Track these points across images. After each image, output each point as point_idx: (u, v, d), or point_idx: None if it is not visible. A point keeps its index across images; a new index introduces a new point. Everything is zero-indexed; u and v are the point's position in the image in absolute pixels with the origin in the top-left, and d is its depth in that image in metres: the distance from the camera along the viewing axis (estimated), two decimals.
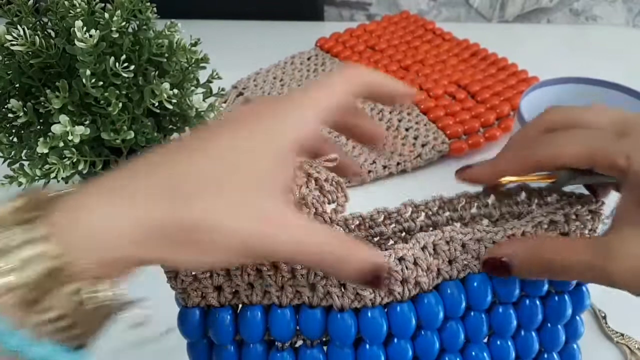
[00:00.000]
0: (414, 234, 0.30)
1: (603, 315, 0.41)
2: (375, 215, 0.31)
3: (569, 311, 0.29)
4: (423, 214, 0.31)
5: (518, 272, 0.26)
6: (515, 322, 0.28)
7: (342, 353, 0.27)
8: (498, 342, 0.28)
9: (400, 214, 0.31)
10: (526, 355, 0.29)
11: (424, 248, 0.27)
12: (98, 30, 0.39)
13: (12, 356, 0.16)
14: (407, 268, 0.26)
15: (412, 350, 0.27)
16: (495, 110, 0.60)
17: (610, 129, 0.25)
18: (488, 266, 0.26)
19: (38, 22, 0.45)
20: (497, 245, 0.26)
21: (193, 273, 0.26)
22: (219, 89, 0.52)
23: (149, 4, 0.46)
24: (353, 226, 0.31)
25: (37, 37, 0.41)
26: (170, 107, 0.44)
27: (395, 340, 0.27)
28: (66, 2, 0.42)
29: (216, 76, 0.50)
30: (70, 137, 0.40)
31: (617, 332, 0.40)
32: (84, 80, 0.40)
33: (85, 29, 0.39)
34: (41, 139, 0.40)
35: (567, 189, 0.28)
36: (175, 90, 0.44)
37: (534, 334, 0.29)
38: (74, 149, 0.41)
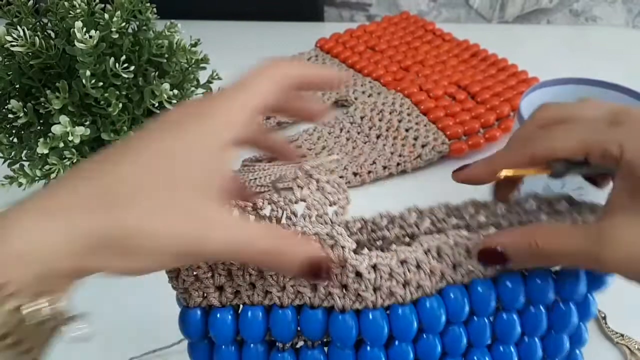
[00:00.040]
0: (417, 239, 0.30)
1: (603, 315, 0.41)
2: (378, 219, 0.31)
3: (575, 320, 0.28)
4: (428, 220, 0.30)
5: (513, 260, 0.26)
6: (519, 329, 0.28)
7: (342, 354, 0.27)
8: (501, 348, 0.28)
9: (404, 219, 0.30)
10: None
11: (427, 252, 0.27)
12: (98, 31, 0.39)
13: None
14: (409, 271, 0.26)
15: (414, 353, 0.27)
16: (495, 111, 0.60)
17: (603, 120, 0.25)
18: (483, 256, 0.26)
19: (38, 23, 0.45)
20: (491, 236, 0.26)
21: (195, 273, 0.26)
22: (219, 89, 0.52)
23: (148, 4, 0.46)
24: (355, 229, 0.31)
25: (37, 38, 0.41)
26: (171, 107, 0.44)
27: (397, 342, 0.27)
28: (66, 3, 0.42)
29: (216, 76, 0.50)
30: (70, 138, 0.40)
31: (617, 333, 0.40)
32: (84, 81, 0.40)
33: (85, 29, 0.39)
34: (41, 140, 0.40)
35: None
36: (175, 91, 0.44)
37: (537, 341, 0.29)
38: (74, 150, 0.41)
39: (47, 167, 0.41)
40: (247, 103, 0.24)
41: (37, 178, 0.41)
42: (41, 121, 0.43)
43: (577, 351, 0.30)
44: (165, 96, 0.43)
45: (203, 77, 0.49)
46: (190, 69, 0.47)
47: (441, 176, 0.56)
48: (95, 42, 0.39)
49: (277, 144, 0.30)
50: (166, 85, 0.43)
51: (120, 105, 0.41)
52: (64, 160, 0.41)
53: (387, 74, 0.68)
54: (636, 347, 0.39)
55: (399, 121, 0.60)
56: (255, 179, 0.54)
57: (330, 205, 0.27)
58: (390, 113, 0.61)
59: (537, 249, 0.25)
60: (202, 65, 0.48)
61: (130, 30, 0.45)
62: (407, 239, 0.31)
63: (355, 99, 0.65)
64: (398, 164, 0.56)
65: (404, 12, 0.80)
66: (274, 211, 0.27)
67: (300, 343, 0.28)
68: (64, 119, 0.40)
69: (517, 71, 0.67)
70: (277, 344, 0.28)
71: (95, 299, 0.38)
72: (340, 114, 0.63)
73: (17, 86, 0.43)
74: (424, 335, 0.27)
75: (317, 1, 0.88)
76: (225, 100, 0.24)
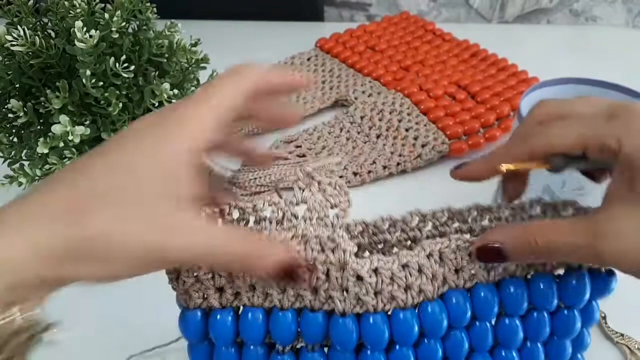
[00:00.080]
0: (419, 243, 0.30)
1: (603, 315, 0.41)
2: (380, 222, 0.30)
3: (578, 326, 0.28)
4: (430, 223, 0.30)
5: (511, 257, 0.26)
6: (521, 334, 0.28)
7: (343, 358, 0.27)
8: (503, 353, 0.28)
9: (406, 223, 0.30)
10: None
11: (429, 256, 0.26)
12: (98, 31, 0.39)
13: None
14: (410, 275, 0.26)
15: (414, 357, 0.27)
16: (495, 110, 0.60)
17: (601, 114, 0.25)
18: (481, 253, 0.26)
19: (38, 23, 0.45)
20: (487, 233, 0.26)
21: (195, 274, 0.26)
22: None
23: (149, 4, 0.46)
24: (356, 232, 0.30)
25: (37, 38, 0.41)
26: None
27: (397, 347, 0.27)
28: (66, 3, 0.42)
29: (216, 76, 0.50)
30: (70, 137, 0.40)
31: (617, 332, 0.40)
32: (84, 81, 0.40)
33: (85, 29, 0.39)
34: (41, 139, 0.40)
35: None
36: (176, 91, 0.44)
37: (540, 346, 0.28)
38: (74, 149, 0.41)
39: (47, 166, 0.41)
40: (211, 109, 0.24)
41: (37, 177, 0.41)
42: (41, 121, 0.43)
43: (579, 355, 0.30)
44: (165, 96, 0.43)
45: (203, 77, 0.49)
46: (190, 68, 0.47)
47: (441, 176, 0.56)
48: (95, 41, 0.39)
49: (250, 150, 0.30)
50: (166, 85, 0.43)
51: (120, 105, 0.41)
52: (64, 160, 0.41)
53: (387, 73, 0.68)
54: (636, 346, 0.39)
55: (399, 121, 0.60)
56: (255, 178, 0.54)
57: (332, 208, 0.27)
58: (390, 113, 0.61)
59: (535, 245, 0.25)
60: (202, 65, 0.48)
61: (130, 30, 0.45)
62: (409, 243, 0.31)
63: (355, 98, 0.65)
64: (398, 164, 0.56)
65: (404, 12, 0.80)
66: (274, 213, 0.27)
67: (301, 344, 0.28)
68: (64, 118, 0.40)
69: (517, 71, 0.67)
70: (276, 346, 0.27)
71: (96, 298, 0.38)
72: (340, 113, 0.63)
73: (17, 86, 0.43)
74: (425, 340, 0.27)
75: (317, 1, 0.87)
76: (188, 108, 0.24)
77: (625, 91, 0.45)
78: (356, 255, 0.26)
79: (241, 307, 0.27)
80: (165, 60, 0.46)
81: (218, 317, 0.27)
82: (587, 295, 0.27)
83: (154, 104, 0.43)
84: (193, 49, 0.48)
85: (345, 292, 0.26)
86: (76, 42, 0.39)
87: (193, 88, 0.48)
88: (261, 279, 0.25)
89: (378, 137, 0.59)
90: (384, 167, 0.55)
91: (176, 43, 0.46)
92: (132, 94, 0.43)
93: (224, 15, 0.84)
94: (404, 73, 0.68)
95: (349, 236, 0.30)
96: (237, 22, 0.85)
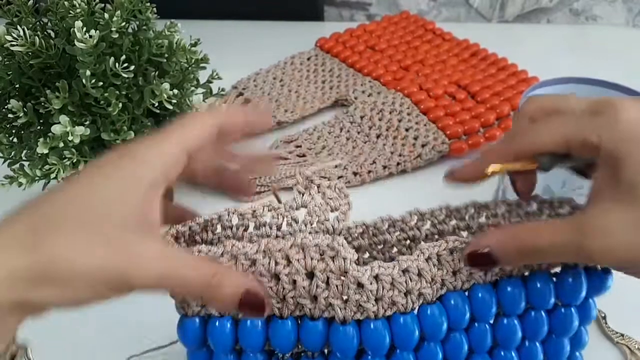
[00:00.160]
0: (418, 243, 0.30)
1: (603, 315, 0.41)
2: (380, 223, 0.30)
3: (576, 324, 0.28)
4: (429, 222, 0.30)
5: (501, 261, 0.26)
6: (520, 334, 0.28)
7: None
8: (502, 353, 0.28)
9: (405, 222, 0.30)
10: None
11: (428, 259, 0.26)
12: (98, 31, 0.39)
13: None
14: (410, 280, 0.26)
15: None
16: (495, 110, 0.60)
17: (585, 111, 0.25)
18: (471, 259, 0.26)
19: (38, 23, 0.45)
20: (476, 238, 0.26)
21: None
22: (219, 89, 0.52)
23: (148, 4, 0.46)
24: (356, 234, 0.30)
25: (37, 38, 0.41)
26: (170, 107, 0.44)
27: (398, 352, 0.27)
28: (66, 3, 0.42)
29: (216, 76, 0.50)
30: (70, 138, 0.40)
31: (617, 333, 0.40)
32: (84, 81, 0.40)
33: (85, 29, 0.39)
34: (41, 140, 0.40)
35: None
36: (175, 91, 0.44)
37: (538, 345, 0.29)
38: (74, 150, 0.41)
39: (47, 167, 0.41)
40: (176, 143, 0.25)
41: (37, 178, 0.41)
42: (41, 121, 0.43)
43: (577, 353, 0.30)
44: (165, 96, 0.43)
45: (203, 77, 0.49)
46: (190, 68, 0.47)
47: (441, 176, 0.56)
48: (95, 41, 0.39)
49: (228, 179, 0.30)
50: (166, 85, 0.43)
51: (120, 105, 0.41)
52: (64, 160, 0.41)
53: (387, 73, 0.68)
54: (636, 347, 0.39)
55: (399, 121, 0.60)
56: (255, 178, 0.54)
57: (332, 211, 0.27)
58: (390, 112, 0.61)
59: (524, 247, 0.25)
60: (202, 65, 0.48)
61: (130, 30, 0.45)
62: (408, 242, 0.31)
63: (355, 98, 0.65)
64: (398, 164, 0.56)
65: (404, 11, 0.80)
66: (274, 218, 0.27)
67: (301, 350, 0.28)
68: (64, 118, 0.40)
69: (517, 70, 0.67)
70: (276, 353, 0.27)
71: None
72: (340, 113, 0.63)
73: (17, 86, 0.43)
74: (426, 344, 0.27)
75: (317, 1, 0.87)
76: (153, 142, 0.25)
77: (625, 91, 0.45)
78: (357, 262, 0.26)
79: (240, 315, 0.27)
80: (165, 60, 0.46)
81: (217, 324, 0.26)
82: (584, 293, 0.27)
83: (153, 104, 0.43)
84: (193, 49, 0.48)
85: (345, 300, 0.26)
86: (76, 42, 0.39)
87: (193, 88, 0.48)
88: (224, 307, 0.25)
89: (378, 137, 0.59)
90: (384, 167, 0.55)
91: (176, 43, 0.46)
92: (132, 94, 0.43)
93: (224, 15, 0.84)
94: (404, 73, 0.68)
95: (349, 238, 0.30)
96: (237, 22, 0.85)
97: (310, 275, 0.26)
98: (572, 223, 0.24)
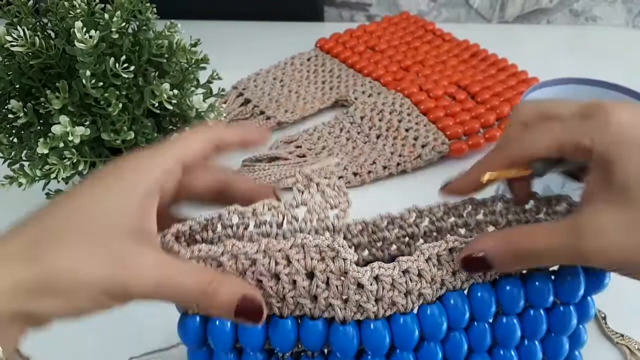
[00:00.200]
0: (417, 240, 0.30)
1: (603, 315, 0.41)
2: (379, 220, 0.31)
3: (574, 322, 0.28)
4: (427, 219, 0.30)
5: (496, 265, 0.26)
6: (519, 333, 0.28)
7: None
8: (501, 352, 0.28)
9: (404, 220, 0.30)
10: None
11: (428, 260, 0.26)
12: (98, 31, 0.39)
13: None
14: (411, 280, 0.26)
15: None
16: (495, 111, 0.60)
17: (577, 115, 0.25)
18: (466, 264, 0.26)
19: (38, 23, 0.45)
20: (470, 243, 0.26)
21: None
22: (219, 89, 0.52)
23: (148, 4, 0.46)
24: (356, 232, 0.31)
25: (37, 38, 0.41)
26: (170, 107, 0.44)
27: (398, 352, 0.27)
28: (66, 3, 0.42)
29: (216, 77, 0.50)
30: (70, 138, 0.40)
31: (617, 333, 0.40)
32: (84, 81, 0.40)
33: (85, 29, 0.39)
34: (41, 140, 0.40)
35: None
36: (175, 91, 0.44)
37: (537, 343, 0.29)
38: (74, 150, 0.41)
39: (47, 167, 0.41)
40: (171, 155, 0.26)
41: (37, 178, 0.41)
42: (41, 121, 0.43)
43: (576, 352, 0.30)
44: (165, 96, 0.43)
45: (203, 77, 0.49)
46: (190, 69, 0.47)
47: (441, 176, 0.55)
48: (95, 42, 0.39)
49: (226, 194, 0.30)
50: (166, 85, 0.43)
51: (120, 105, 0.41)
52: (64, 160, 0.41)
53: (387, 74, 0.68)
54: (636, 347, 0.39)
55: (399, 121, 0.60)
56: (255, 178, 0.54)
57: (332, 209, 0.27)
58: (390, 113, 0.61)
59: (519, 251, 0.25)
60: (202, 65, 0.48)
61: (130, 30, 0.45)
62: (406, 239, 0.31)
63: (355, 99, 0.65)
64: (398, 164, 0.56)
65: (404, 12, 0.80)
66: (274, 217, 0.27)
67: (301, 350, 0.28)
68: (64, 119, 0.40)
69: (517, 71, 0.67)
70: (276, 352, 0.27)
71: None
72: (340, 113, 0.63)
73: (17, 86, 0.43)
74: (426, 344, 0.27)
75: (317, 1, 0.87)
76: (150, 153, 0.26)
77: (625, 91, 0.45)
78: (357, 263, 0.26)
79: None
80: (165, 61, 0.46)
81: (217, 323, 0.26)
82: (582, 291, 0.28)
83: (153, 104, 0.43)
84: (193, 49, 0.47)
85: (345, 301, 0.26)
86: (76, 43, 0.39)
87: (193, 88, 0.48)
88: (221, 314, 0.25)
89: (378, 137, 0.59)
90: (384, 168, 0.55)
91: (176, 43, 0.46)
92: (132, 95, 0.43)
93: (224, 15, 0.84)
94: (404, 73, 0.68)
95: (348, 235, 0.30)
96: (237, 22, 0.85)
97: (310, 275, 0.26)
98: (566, 225, 0.24)
